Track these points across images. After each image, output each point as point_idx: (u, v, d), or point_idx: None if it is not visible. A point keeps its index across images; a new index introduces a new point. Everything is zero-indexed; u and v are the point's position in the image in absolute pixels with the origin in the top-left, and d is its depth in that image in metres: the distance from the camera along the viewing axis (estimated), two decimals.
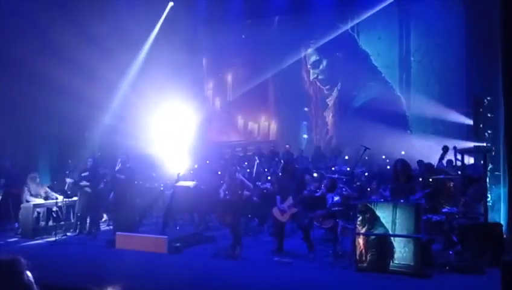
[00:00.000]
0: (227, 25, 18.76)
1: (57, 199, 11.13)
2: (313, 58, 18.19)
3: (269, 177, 11.98)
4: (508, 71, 7.98)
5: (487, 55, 11.25)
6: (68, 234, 10.81)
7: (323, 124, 18.02)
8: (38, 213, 10.89)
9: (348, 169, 11.72)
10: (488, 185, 9.21)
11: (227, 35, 19.25)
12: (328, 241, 9.02)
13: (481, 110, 10.33)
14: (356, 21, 17.16)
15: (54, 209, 11.04)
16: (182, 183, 11.88)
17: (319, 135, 18.05)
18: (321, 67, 18.09)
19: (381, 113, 15.43)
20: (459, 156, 9.49)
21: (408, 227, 7.19)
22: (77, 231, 10.99)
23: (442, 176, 8.74)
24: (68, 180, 11.19)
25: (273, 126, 19.05)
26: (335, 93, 17.80)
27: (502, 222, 8.51)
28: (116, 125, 13.68)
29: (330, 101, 17.92)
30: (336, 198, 9.37)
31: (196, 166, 15.63)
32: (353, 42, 17.32)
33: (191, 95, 18.35)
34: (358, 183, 10.92)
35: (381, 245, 7.31)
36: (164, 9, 16.86)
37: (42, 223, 10.95)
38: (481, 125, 10.22)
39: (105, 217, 12.30)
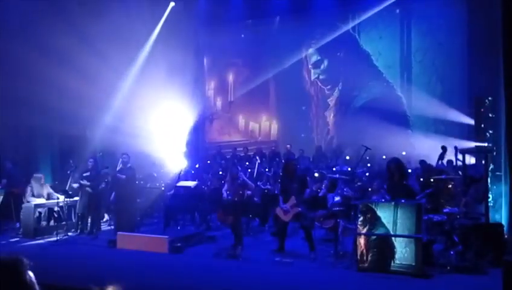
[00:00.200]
0: (228, 25, 18.77)
1: (58, 199, 11.13)
2: (314, 58, 18.19)
3: (270, 179, 11.99)
4: (509, 71, 7.97)
5: (489, 54, 11.23)
6: (69, 234, 10.81)
7: (324, 124, 18.02)
8: (40, 213, 10.90)
9: (349, 169, 11.71)
10: (490, 185, 9.20)
11: (228, 35, 19.26)
12: (329, 241, 9.02)
13: (482, 110, 10.32)
14: (357, 21, 17.16)
15: (55, 209, 11.05)
16: (183, 183, 11.89)
17: (320, 135, 18.05)
18: (322, 67, 18.10)
19: (383, 113, 15.42)
20: (460, 156, 9.47)
21: (409, 227, 7.18)
22: (78, 231, 11.00)
23: (443, 176, 8.71)
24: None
25: (274, 126, 19.07)
26: (336, 93, 17.80)
27: (503, 222, 8.50)
28: (118, 125, 13.67)
29: (331, 101, 17.93)
30: (337, 198, 9.37)
31: (197, 166, 15.65)
32: (354, 42, 17.32)
33: (192, 95, 18.35)
34: (359, 184, 10.91)
35: (382, 245, 7.30)
36: (165, 10, 16.86)
37: (43, 223, 10.96)
38: (482, 126, 10.21)
39: (106, 217, 12.31)
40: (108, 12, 12.87)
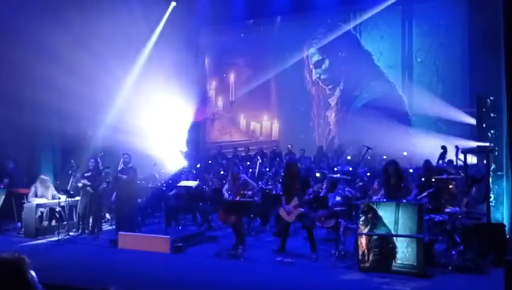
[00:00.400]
0: (229, 24, 18.80)
1: (59, 198, 11.14)
2: (316, 58, 18.19)
3: (269, 180, 11.99)
4: (511, 70, 7.95)
5: (490, 54, 11.22)
6: (71, 233, 10.82)
7: (326, 124, 18.01)
8: (41, 213, 10.92)
9: (351, 169, 11.71)
10: (491, 185, 9.19)
11: (229, 35, 19.29)
12: (331, 241, 9.02)
13: (484, 110, 10.31)
14: (358, 20, 17.15)
15: (57, 209, 11.06)
16: (184, 183, 11.91)
17: (321, 134, 18.04)
18: (323, 67, 18.09)
19: (384, 113, 15.43)
20: (461, 156, 9.46)
21: (410, 227, 7.18)
22: (79, 230, 11.00)
23: (444, 176, 8.70)
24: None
25: (276, 126, 19.07)
26: (337, 93, 17.79)
27: (505, 222, 8.49)
28: (119, 125, 13.69)
29: (332, 101, 17.92)
30: (338, 198, 9.37)
31: (199, 166, 15.67)
32: (355, 42, 17.31)
33: (194, 95, 18.37)
34: (360, 184, 10.91)
35: (384, 245, 7.29)
36: (167, 9, 16.88)
37: (45, 223, 10.97)
38: (484, 125, 10.20)
39: (107, 216, 12.32)
40: (109, 12, 12.86)
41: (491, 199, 8.95)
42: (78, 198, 11.07)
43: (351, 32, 17.35)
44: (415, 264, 7.06)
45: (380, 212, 7.41)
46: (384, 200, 7.81)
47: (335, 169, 12.37)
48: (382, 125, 14.49)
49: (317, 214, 9.05)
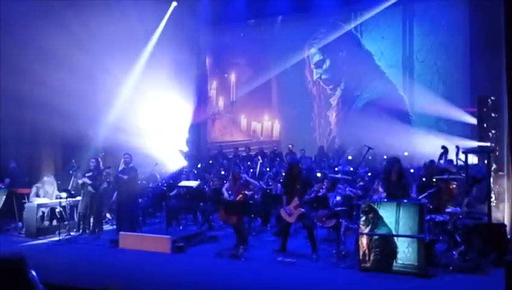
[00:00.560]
0: (230, 24, 18.82)
1: (60, 198, 11.15)
2: (316, 57, 18.20)
3: (269, 180, 11.99)
4: None
5: (491, 54, 11.22)
6: (72, 233, 10.83)
7: (327, 124, 18.02)
8: (42, 213, 10.92)
9: (351, 169, 11.70)
10: (492, 185, 9.18)
11: (230, 35, 19.31)
12: (331, 241, 9.01)
13: (485, 109, 10.31)
14: (359, 20, 17.17)
15: (58, 209, 11.06)
16: (185, 183, 11.91)
17: (322, 134, 18.05)
18: (324, 66, 18.10)
19: (385, 112, 15.45)
20: (462, 156, 9.45)
21: (411, 227, 7.17)
22: (80, 230, 11.01)
23: (445, 176, 8.69)
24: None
25: (277, 126, 19.08)
26: (338, 92, 17.81)
27: (506, 222, 8.48)
28: (120, 125, 13.70)
29: (333, 101, 17.93)
30: (338, 198, 9.36)
31: (199, 165, 15.68)
32: (356, 42, 17.33)
33: (194, 95, 18.39)
34: (361, 183, 10.91)
35: (385, 245, 7.29)
36: (168, 9, 16.89)
37: (46, 223, 10.97)
38: (485, 125, 10.20)
39: (108, 216, 12.32)
40: (110, 13, 12.88)
41: (492, 199, 8.94)
42: (79, 198, 11.07)
43: (352, 32, 17.37)
44: (416, 264, 7.05)
45: (381, 212, 7.41)
46: (385, 199, 7.79)
47: (336, 169, 12.38)
48: (383, 125, 14.50)
49: (318, 213, 9.03)
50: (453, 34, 15.58)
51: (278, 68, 18.37)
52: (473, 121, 12.60)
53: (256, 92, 18.97)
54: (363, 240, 7.43)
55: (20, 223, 11.46)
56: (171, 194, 11.73)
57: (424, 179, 9.99)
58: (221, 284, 7.08)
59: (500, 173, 9.44)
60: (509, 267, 5.38)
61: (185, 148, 17.10)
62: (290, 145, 16.42)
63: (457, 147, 9.51)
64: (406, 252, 7.14)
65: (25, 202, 11.26)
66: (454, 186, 8.95)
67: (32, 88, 11.61)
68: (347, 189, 9.60)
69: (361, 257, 7.41)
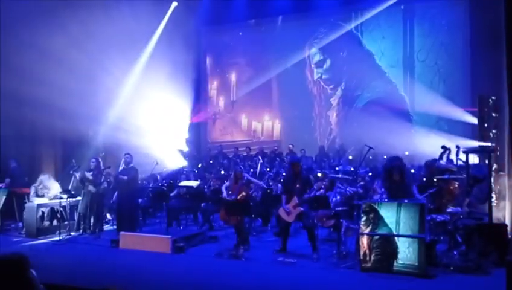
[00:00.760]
0: (230, 24, 18.82)
1: (61, 198, 11.14)
2: (317, 57, 18.19)
3: (270, 180, 11.96)
4: None
5: (492, 54, 11.21)
6: (72, 233, 10.83)
7: (327, 124, 18.00)
8: (43, 213, 10.93)
9: (352, 169, 11.68)
10: (493, 185, 9.16)
11: (230, 34, 19.31)
12: (332, 241, 9.00)
13: (486, 109, 10.29)
14: (360, 20, 17.16)
15: (58, 209, 11.05)
16: (185, 183, 11.90)
17: (322, 134, 18.03)
18: (325, 66, 18.09)
19: (386, 112, 15.43)
20: (462, 156, 9.43)
21: (412, 227, 7.16)
22: (80, 230, 11.00)
23: (446, 176, 8.67)
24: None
25: (277, 126, 19.06)
26: (339, 92, 17.79)
27: (507, 222, 8.46)
28: (120, 124, 13.70)
29: (334, 101, 17.92)
30: (338, 197, 9.34)
31: (200, 165, 15.67)
32: (357, 41, 17.31)
33: (195, 95, 18.38)
34: (362, 183, 10.89)
35: (385, 245, 7.27)
36: (168, 9, 16.88)
37: (46, 223, 10.98)
38: (486, 125, 10.18)
39: (108, 216, 12.32)
40: (110, 12, 12.87)
41: (492, 200, 8.92)
42: (79, 198, 11.07)
43: (352, 32, 17.35)
44: (417, 264, 7.03)
45: (382, 212, 7.40)
46: (386, 199, 7.78)
47: (336, 169, 12.36)
48: (384, 125, 14.47)
49: (318, 213, 9.01)
50: (453, 33, 15.57)
51: (278, 68, 18.36)
52: (474, 120, 12.56)
53: (256, 92, 18.96)
54: (364, 240, 7.41)
55: (20, 223, 11.46)
56: (171, 194, 11.71)
57: (424, 179, 9.97)
58: (222, 285, 7.07)
59: (501, 172, 9.43)
60: (510, 267, 5.37)
61: (185, 148, 17.09)
62: (291, 145, 16.40)
63: (458, 147, 9.49)
64: (406, 252, 7.12)
65: (25, 202, 11.26)
66: (455, 186, 8.92)
67: (32, 88, 11.62)
68: (348, 189, 9.58)
69: (361, 257, 7.39)
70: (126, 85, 14.71)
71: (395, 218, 7.29)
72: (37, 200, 11.10)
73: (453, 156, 9.68)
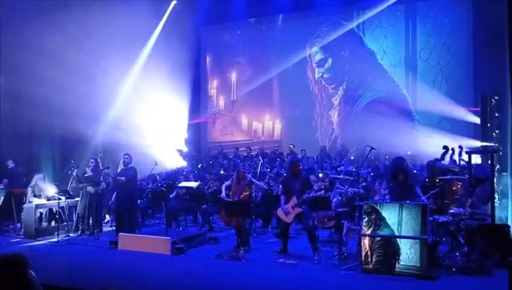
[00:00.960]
0: (231, 23, 18.77)
1: (59, 199, 11.09)
2: (318, 56, 18.12)
3: (270, 181, 11.90)
4: None
5: (494, 53, 11.14)
6: (71, 234, 10.77)
7: (329, 124, 17.93)
8: (41, 214, 10.88)
9: (354, 169, 11.61)
10: (495, 186, 9.09)
11: (231, 33, 19.27)
12: (333, 242, 8.93)
13: (488, 109, 10.23)
14: (362, 19, 17.09)
15: (57, 209, 11.00)
16: (185, 183, 11.83)
17: (324, 134, 17.95)
18: (326, 66, 18.02)
19: (388, 112, 15.36)
20: (465, 156, 9.36)
21: (414, 228, 7.09)
22: (79, 231, 10.94)
23: (448, 177, 8.60)
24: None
25: (278, 126, 18.99)
26: (340, 92, 17.72)
27: (510, 223, 8.39)
28: (119, 124, 13.66)
29: (335, 100, 17.84)
30: (338, 197, 9.27)
31: (200, 166, 15.62)
32: (359, 40, 17.24)
33: (195, 95, 18.33)
34: (363, 184, 10.82)
35: (387, 246, 7.20)
36: (167, 8, 16.84)
37: (44, 224, 10.94)
38: (488, 125, 10.12)
39: (107, 217, 12.26)
40: (110, 11, 12.83)
41: (495, 200, 8.84)
42: (77, 199, 11.01)
43: (354, 30, 17.27)
44: (419, 265, 6.96)
45: (384, 213, 7.33)
46: (388, 200, 7.70)
47: (338, 169, 12.29)
48: (386, 125, 14.40)
49: (319, 215, 8.93)
50: (456, 32, 15.50)
51: (279, 67, 18.28)
52: (476, 120, 12.51)
53: (257, 92, 18.89)
54: (366, 242, 7.34)
55: (18, 224, 11.43)
56: (171, 195, 11.64)
57: (427, 180, 9.90)
58: (222, 286, 7.01)
59: (504, 173, 9.36)
60: None
61: (184, 148, 17.04)
62: (291, 146, 16.33)
63: (461, 147, 9.41)
64: (408, 254, 7.05)
65: (24, 203, 11.20)
66: (457, 186, 8.85)
67: (30, 87, 11.59)
68: (349, 190, 9.49)
69: (363, 259, 7.32)
70: (125, 84, 14.68)
71: (397, 219, 7.22)
72: (36, 201, 11.04)
73: (455, 156, 9.62)
